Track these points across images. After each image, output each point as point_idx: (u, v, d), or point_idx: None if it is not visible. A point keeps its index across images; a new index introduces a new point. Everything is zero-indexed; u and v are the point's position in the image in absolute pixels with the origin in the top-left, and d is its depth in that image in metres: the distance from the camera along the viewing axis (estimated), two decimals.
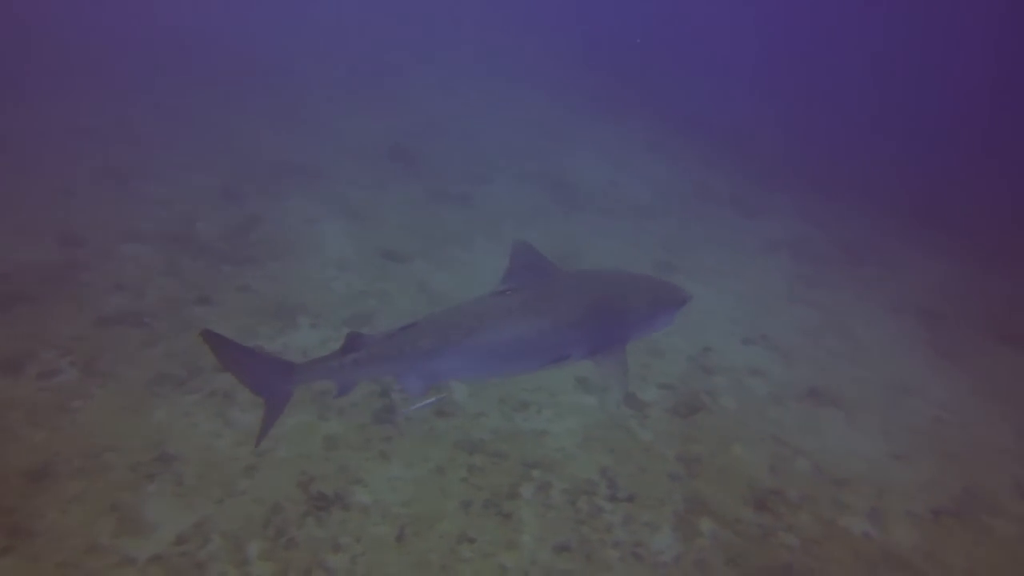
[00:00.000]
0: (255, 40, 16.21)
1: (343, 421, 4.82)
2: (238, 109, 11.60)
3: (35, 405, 4.45)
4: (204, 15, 17.28)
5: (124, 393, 4.72)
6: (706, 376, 6.14)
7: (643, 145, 14.15)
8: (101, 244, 6.60)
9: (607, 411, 5.41)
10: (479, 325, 3.28)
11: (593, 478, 4.71)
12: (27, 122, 9.21)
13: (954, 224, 12.52)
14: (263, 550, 3.69)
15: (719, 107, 18.69)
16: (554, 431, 5.10)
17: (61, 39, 13.26)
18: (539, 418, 5.24)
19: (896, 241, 11.06)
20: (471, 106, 14.57)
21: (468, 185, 9.93)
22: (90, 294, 5.77)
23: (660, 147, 14.20)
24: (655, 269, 8.19)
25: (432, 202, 9.23)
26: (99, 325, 5.39)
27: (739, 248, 9.49)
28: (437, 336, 3.22)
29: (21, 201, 7.13)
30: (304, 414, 4.77)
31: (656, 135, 15.03)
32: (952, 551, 4.58)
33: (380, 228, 8.18)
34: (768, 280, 8.55)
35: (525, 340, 3.31)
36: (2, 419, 4.29)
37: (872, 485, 5.07)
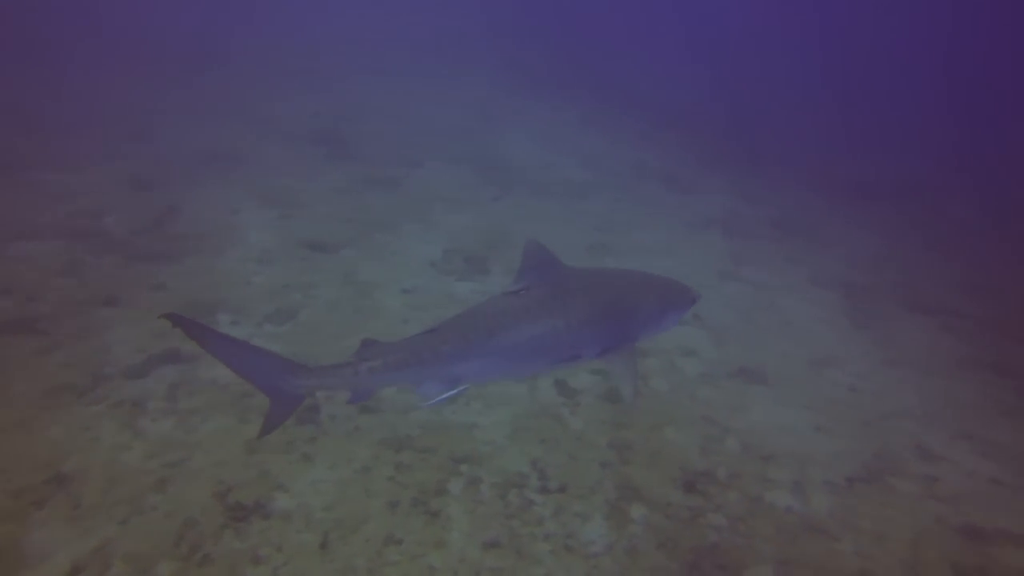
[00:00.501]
0: (186, 32, 15.30)
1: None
2: (159, 98, 10.92)
3: None
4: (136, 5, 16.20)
5: (11, 409, 4.36)
6: (639, 359, 6.13)
7: (580, 124, 14.11)
8: None
9: (537, 400, 5.34)
10: (498, 327, 3.27)
11: (523, 470, 4.65)
12: None
13: (879, 198, 12.96)
14: (174, 570, 3.48)
15: (659, 85, 18.83)
16: (483, 423, 5.01)
17: None
18: (468, 410, 5.14)
19: (823, 216, 11.39)
20: (407, 89, 14.20)
21: (398, 169, 9.66)
22: None
23: (598, 126, 14.19)
24: (588, 250, 8.18)
25: (360, 188, 8.94)
26: None
27: (673, 226, 9.58)
28: (458, 341, 3.20)
29: None
30: (223, 418, 4.53)
31: (594, 114, 15.02)
32: (862, 515, 4.75)
33: (305, 217, 7.86)
34: (701, 258, 8.65)
35: (541, 340, 3.32)
36: None
37: (796, 458, 5.19)
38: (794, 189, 12.72)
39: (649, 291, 3.78)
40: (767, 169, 13.89)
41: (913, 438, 5.78)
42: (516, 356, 3.36)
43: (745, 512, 4.61)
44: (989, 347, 7.60)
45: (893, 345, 7.26)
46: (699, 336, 6.76)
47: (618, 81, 18.14)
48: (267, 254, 6.96)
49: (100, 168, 8.01)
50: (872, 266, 9.42)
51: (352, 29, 18.63)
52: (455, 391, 3.24)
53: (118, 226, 6.87)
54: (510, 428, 5.02)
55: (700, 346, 6.57)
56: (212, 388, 4.89)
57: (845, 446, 5.49)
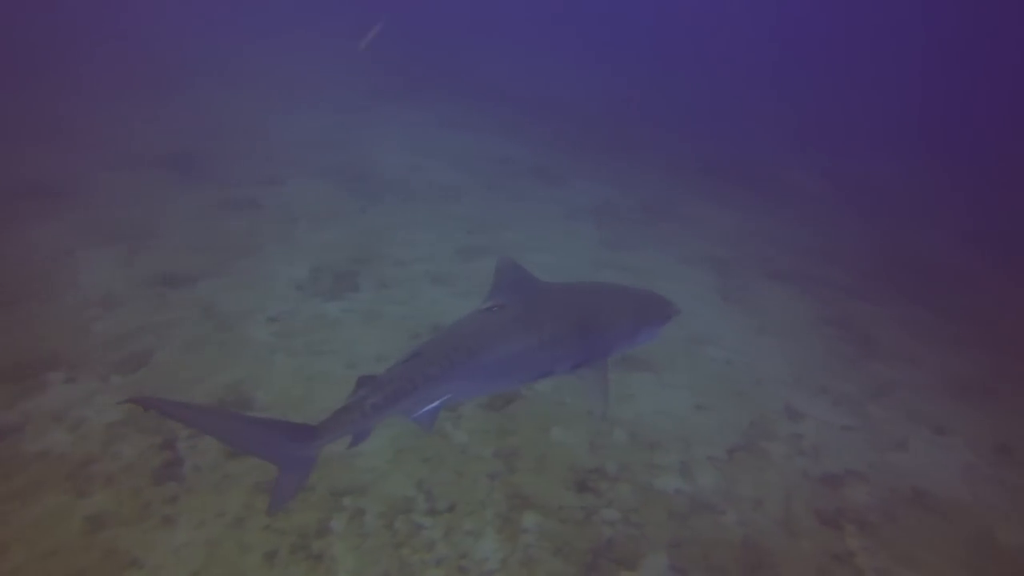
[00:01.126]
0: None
1: (111, 491, 4.10)
2: None
3: None
4: None
5: None
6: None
7: (448, 125, 13.93)
8: None
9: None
10: (477, 346, 3.29)
11: (409, 494, 4.45)
12: None
13: (742, 177, 13.70)
14: None
15: (524, 78, 18.94)
16: (363, 450, 4.73)
17: None
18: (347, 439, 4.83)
19: (690, 197, 11.87)
20: (264, 101, 13.42)
21: (257, 188, 9.08)
22: None
23: (466, 125, 14.07)
24: (459, 254, 8.04)
25: (217, 213, 8.31)
26: None
27: (546, 220, 9.63)
28: (443, 362, 3.21)
29: None
30: (54, 496, 3.99)
31: (462, 113, 14.88)
32: (743, 484, 4.94)
33: (155, 250, 7.20)
34: (574, 249, 8.74)
35: (517, 358, 3.36)
36: None
37: (681, 440, 5.31)
38: (665, 174, 13.22)
39: (624, 307, 3.84)
40: (640, 156, 14.33)
41: (782, 400, 6.09)
42: (495, 374, 3.39)
43: (637, 502, 4.65)
44: (836, 306, 8.18)
45: (760, 314, 7.65)
46: None
47: (486, 78, 18.11)
48: (111, 296, 6.29)
49: None
50: (736, 241, 9.92)
51: (209, 36, 17.42)
52: (437, 403, 3.26)
53: None
54: (392, 451, 4.80)
55: None
56: (40, 462, 4.32)
57: (725, 420, 5.69)
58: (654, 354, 6.51)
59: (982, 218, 13.08)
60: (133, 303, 6.22)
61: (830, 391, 6.39)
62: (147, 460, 4.40)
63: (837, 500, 5.03)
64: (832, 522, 4.77)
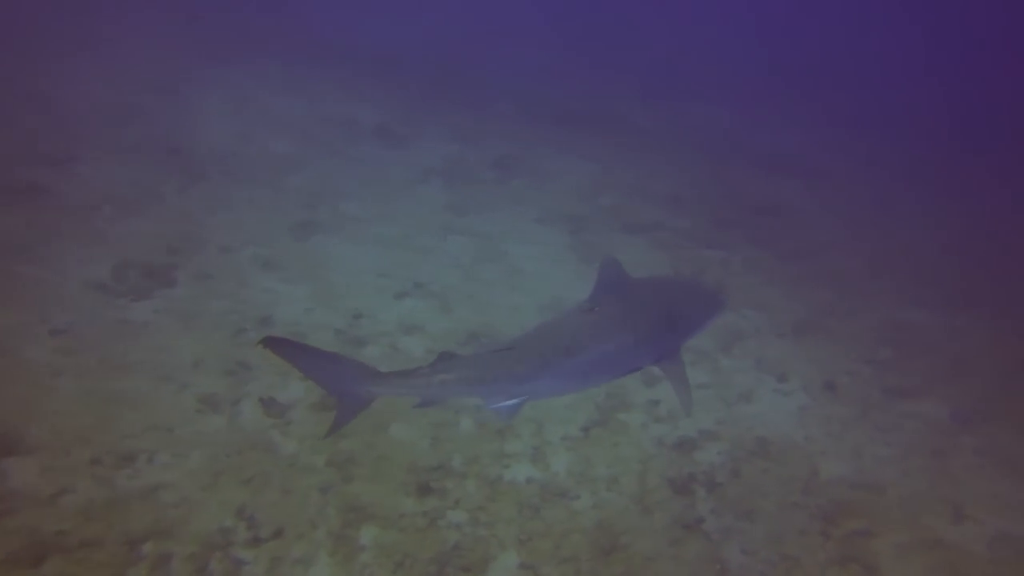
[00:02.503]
0: None
1: None
2: None
3: None
4: None
5: None
6: (357, 349, 5.62)
7: (279, 84, 12.72)
8: None
9: (239, 430, 4.58)
10: (575, 346, 3.36)
11: (228, 524, 3.93)
12: None
13: (599, 127, 13.60)
14: None
15: (360, 33, 17.71)
16: (171, 479, 4.14)
17: None
18: (151, 469, 4.21)
19: (548, 149, 11.61)
20: (46, 53, 11.44)
21: (41, 169, 7.75)
22: None
23: (300, 84, 12.92)
24: (293, 233, 7.35)
25: None
26: None
27: (387, 186, 9.07)
28: (534, 361, 3.28)
29: None
30: None
31: (295, 69, 13.64)
32: (597, 462, 4.88)
33: None
34: (419, 216, 8.29)
35: (611, 356, 3.47)
36: None
37: (533, 423, 5.11)
38: (519, 125, 12.86)
39: (690, 299, 4.04)
40: (493, 108, 13.87)
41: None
42: (587, 373, 3.53)
43: (485, 499, 4.42)
44: (689, 256, 8.33)
45: None
46: (422, 308, 6.41)
47: (321, 35, 16.75)
48: None
49: None
50: (593, 195, 9.86)
51: None
52: (518, 400, 3.29)
53: None
54: (207, 475, 4.24)
55: (424, 319, 6.22)
56: None
57: (580, 394, 5.53)
58: (503, 329, 6.27)
59: (823, 162, 13.90)
60: None
61: (686, 348, 6.42)
62: None
63: (690, 464, 5.07)
64: (684, 489, 4.81)
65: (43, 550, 3.62)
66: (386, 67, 15.15)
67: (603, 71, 18.31)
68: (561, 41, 20.88)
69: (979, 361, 7.26)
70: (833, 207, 11.04)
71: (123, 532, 3.82)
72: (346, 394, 3.28)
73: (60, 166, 8.00)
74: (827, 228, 10.14)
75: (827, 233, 10.01)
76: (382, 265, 7.06)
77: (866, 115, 18.05)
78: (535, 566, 4.04)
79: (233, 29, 15.30)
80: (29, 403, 4.59)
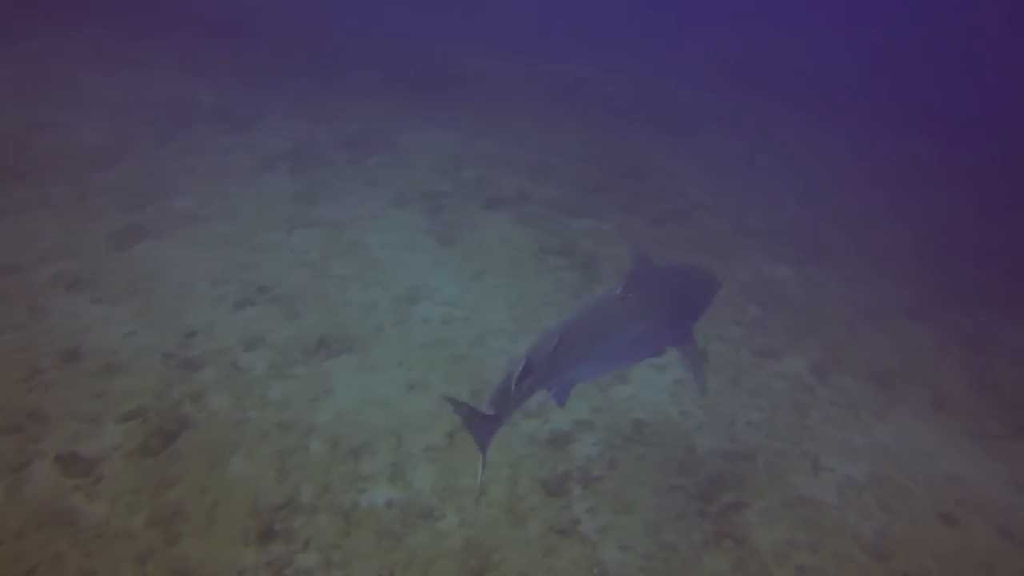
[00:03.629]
0: None
1: None
2: None
3: None
4: None
5: None
6: (189, 375, 5.00)
7: (93, 57, 11.23)
8: None
9: (27, 503, 3.89)
10: (614, 330, 3.61)
11: None
12: None
13: (460, 93, 13.10)
14: None
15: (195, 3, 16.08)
16: None
17: None
18: None
19: (407, 122, 11.05)
20: None
21: None
22: None
23: (120, 57, 11.47)
24: (111, 241, 6.49)
25: None
26: None
27: (226, 177, 8.22)
28: (584, 346, 3.46)
29: None
30: None
31: (113, 40, 12.09)
32: (463, 473, 4.65)
33: None
34: (263, 210, 7.58)
35: (644, 337, 3.75)
36: None
37: (391, 435, 4.75)
38: (375, 95, 12.17)
39: (699, 283, 4.25)
40: (348, 77, 13.02)
41: (505, 354, 5.77)
42: (624, 355, 3.82)
43: (339, 534, 4.02)
44: (558, 229, 8.14)
45: (479, 253, 7.32)
46: (266, 316, 5.82)
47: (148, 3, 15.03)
48: None
49: None
50: (453, 168, 9.45)
51: None
52: (569, 384, 3.59)
53: None
54: None
55: (268, 327, 5.65)
56: None
57: (437, 393, 5.20)
58: (355, 329, 5.80)
59: (688, 120, 14.21)
60: None
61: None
62: None
63: (564, 461, 4.90)
64: (559, 490, 4.64)
65: None
66: (228, 34, 13.85)
67: (468, 34, 17.72)
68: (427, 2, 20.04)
69: (829, 311, 7.63)
70: (702, 165, 11.25)
71: None
72: (480, 436, 3.39)
73: None
74: (697, 187, 10.31)
75: (697, 191, 10.17)
76: (220, 271, 6.36)
77: (747, 72, 18.66)
78: None
79: None
80: None
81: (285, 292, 6.24)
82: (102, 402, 4.69)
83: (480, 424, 3.30)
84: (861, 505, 5.12)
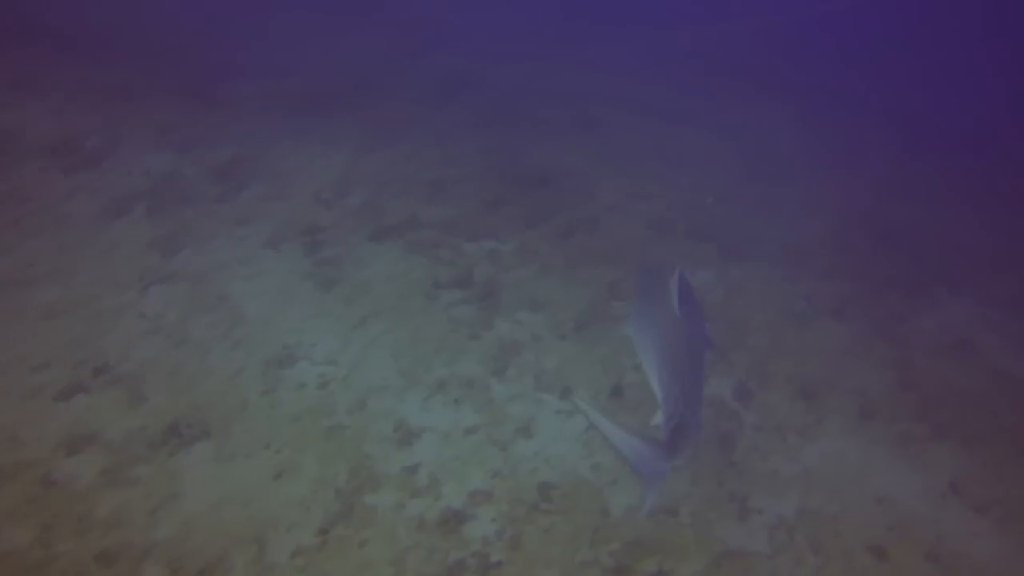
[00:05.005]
0: None
1: None
2: None
3: None
4: None
5: None
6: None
7: None
8: None
9: None
10: (699, 349, 4.40)
11: None
12: None
13: (350, 101, 12.36)
14: None
15: None
16: None
17: None
18: None
19: (288, 140, 10.27)
20: None
21: None
22: None
23: None
24: None
25: None
26: None
27: (65, 228, 7.38)
28: (698, 379, 4.17)
29: None
30: None
31: None
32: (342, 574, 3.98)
33: None
34: (111, 265, 6.91)
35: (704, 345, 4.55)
36: None
37: (251, 542, 4.15)
38: (255, 111, 11.33)
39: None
40: (224, 91, 12.09)
41: (392, 420, 5.29)
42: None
43: None
44: (452, 257, 7.61)
45: (363, 296, 6.82)
46: (101, 403, 5.11)
47: None
48: None
49: None
50: (336, 194, 8.83)
51: None
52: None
53: None
54: None
55: (103, 419, 4.95)
56: None
57: (316, 481, 4.67)
58: (216, 408, 5.14)
59: (600, 112, 13.89)
60: None
61: (448, 383, 5.73)
62: None
63: (457, 547, 4.40)
64: None
65: None
66: (84, 49, 12.70)
67: (362, 35, 16.96)
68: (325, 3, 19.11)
69: (754, 319, 7.37)
70: (615, 162, 10.90)
71: None
72: (651, 471, 3.66)
73: None
74: (610, 188, 9.94)
75: (610, 193, 9.81)
76: (41, 351, 5.57)
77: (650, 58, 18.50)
78: None
79: None
80: None
81: (129, 370, 5.52)
82: None
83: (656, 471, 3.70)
84: (793, 548, 4.83)
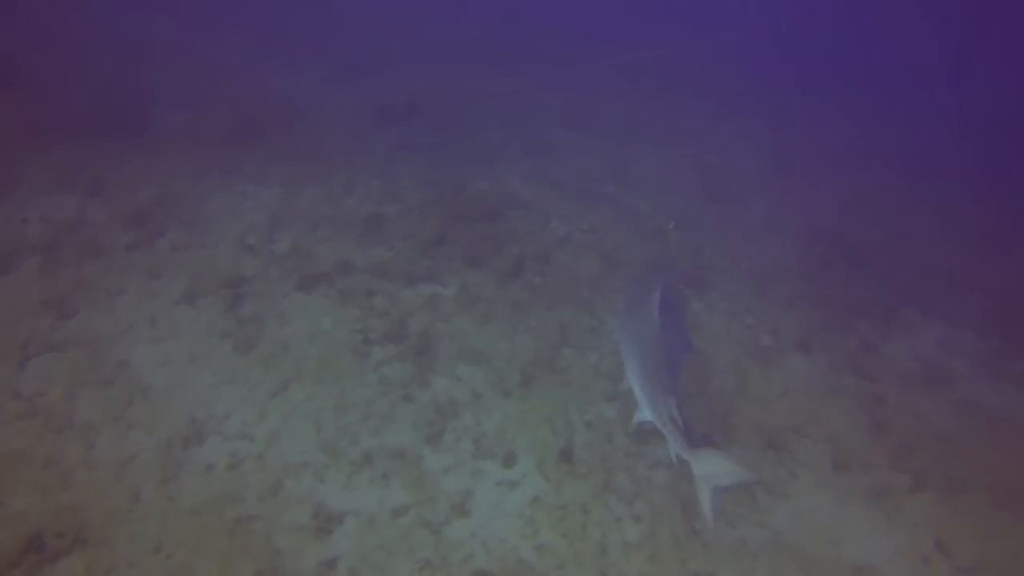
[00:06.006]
0: None
1: None
2: None
3: None
4: None
5: None
6: None
7: None
8: None
9: None
10: (677, 353, 4.90)
11: None
12: None
13: (285, 129, 11.83)
14: None
15: None
16: None
17: None
18: None
19: (210, 179, 9.68)
20: None
21: None
22: None
23: None
24: None
25: None
26: None
27: None
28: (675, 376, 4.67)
29: None
30: None
31: None
32: None
33: None
34: None
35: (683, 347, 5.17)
36: None
37: None
38: (178, 148, 10.68)
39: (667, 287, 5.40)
40: (149, 127, 11.43)
41: (309, 502, 4.71)
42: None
43: None
44: (384, 307, 7.11)
45: (285, 357, 6.20)
46: None
47: None
48: None
49: None
50: (263, 237, 8.29)
51: None
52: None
53: None
54: None
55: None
56: None
57: None
58: (95, 510, 4.55)
59: (553, 134, 13.57)
60: None
61: (376, 456, 5.23)
62: None
63: None
64: None
65: None
66: None
67: (298, 56, 16.45)
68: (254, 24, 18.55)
69: (718, 359, 7.00)
70: (571, 191, 10.52)
71: None
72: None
73: None
74: (563, 219, 9.54)
75: (562, 224, 9.40)
76: None
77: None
78: None
79: None
80: None
81: None
82: None
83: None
84: None
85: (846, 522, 5.37)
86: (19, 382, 5.66)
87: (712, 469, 4.13)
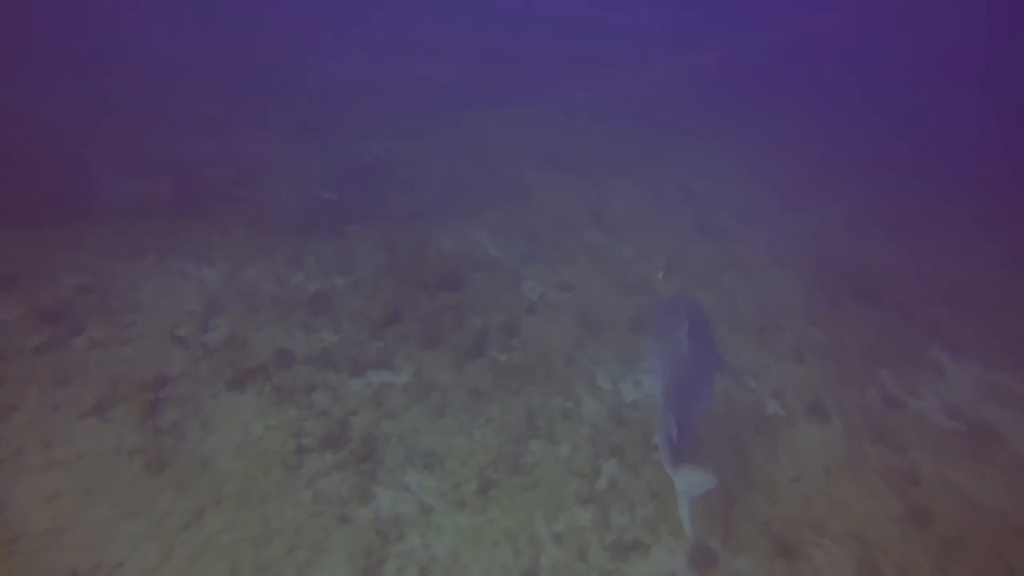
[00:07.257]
0: None
1: None
2: None
3: None
4: None
5: None
6: None
7: None
8: None
9: None
10: (705, 381, 5.26)
11: None
12: None
13: (226, 200, 11.25)
14: None
15: None
16: None
17: None
18: None
19: (145, 263, 9.04)
20: None
21: None
22: None
23: None
24: None
25: None
26: None
27: None
28: (698, 406, 5.07)
29: None
30: None
31: None
32: None
33: None
34: None
35: (711, 370, 5.42)
36: None
37: None
38: (113, 224, 10.09)
39: (694, 309, 5.77)
40: (83, 198, 10.87)
41: None
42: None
43: None
44: (320, 392, 6.39)
45: (203, 477, 5.51)
46: None
47: None
48: None
49: None
50: (195, 329, 7.62)
51: None
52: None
53: None
54: None
55: None
56: None
57: None
58: None
59: (528, 180, 13.01)
60: None
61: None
62: None
63: None
64: None
65: None
66: None
67: (268, 109, 16.01)
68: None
69: (713, 435, 6.20)
70: (547, 242, 9.85)
71: None
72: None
73: None
74: (536, 277, 8.85)
75: (535, 285, 8.70)
76: None
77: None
78: None
79: None
80: None
81: None
82: None
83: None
84: None
85: None
86: None
87: (690, 483, 4.53)
